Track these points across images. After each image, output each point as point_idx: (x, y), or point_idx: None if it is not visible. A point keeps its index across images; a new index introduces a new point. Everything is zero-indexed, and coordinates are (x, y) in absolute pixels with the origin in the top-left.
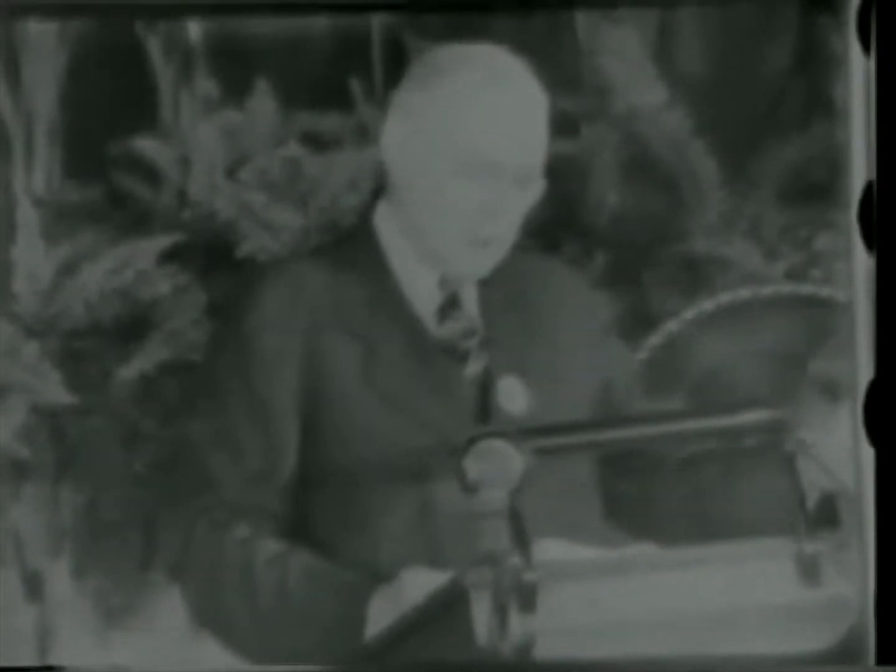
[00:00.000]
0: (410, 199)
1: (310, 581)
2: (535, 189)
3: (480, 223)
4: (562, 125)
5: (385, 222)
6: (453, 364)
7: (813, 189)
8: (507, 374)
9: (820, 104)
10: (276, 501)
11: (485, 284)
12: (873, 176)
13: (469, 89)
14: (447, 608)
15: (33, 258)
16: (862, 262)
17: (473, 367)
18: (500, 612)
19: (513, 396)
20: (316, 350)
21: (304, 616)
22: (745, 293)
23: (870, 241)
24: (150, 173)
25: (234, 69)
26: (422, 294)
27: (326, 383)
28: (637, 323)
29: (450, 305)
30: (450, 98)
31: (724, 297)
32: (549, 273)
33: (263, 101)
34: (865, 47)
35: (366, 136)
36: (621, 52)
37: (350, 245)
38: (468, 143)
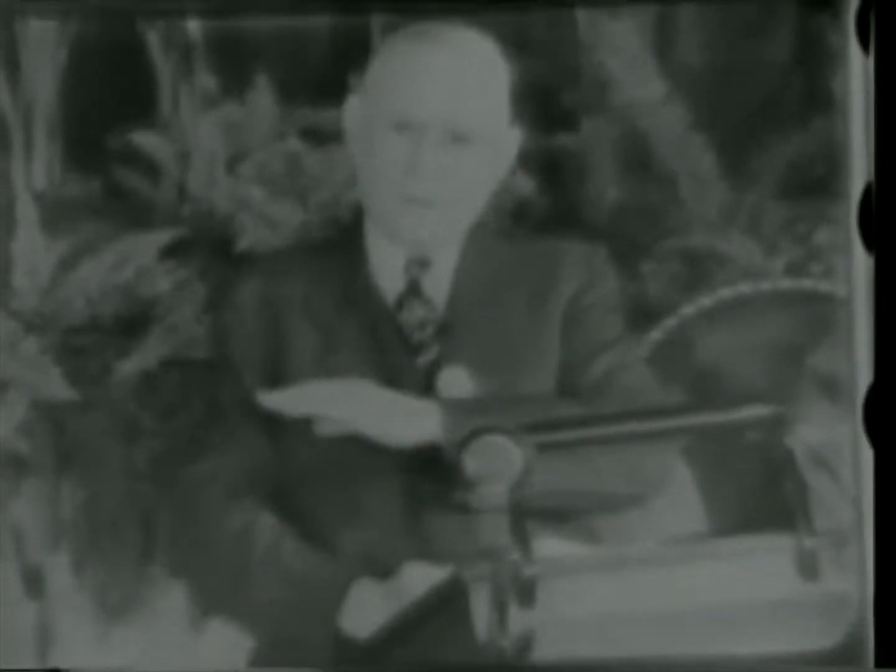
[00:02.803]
0: (359, 167)
1: (300, 552)
2: (488, 153)
3: (405, 179)
4: (561, 119)
5: (368, 204)
6: (408, 353)
7: (812, 184)
8: (454, 364)
9: (819, 100)
10: (265, 493)
11: (461, 271)
12: (872, 171)
13: (411, 52)
14: (447, 603)
15: (33, 253)
16: (861, 257)
17: (426, 357)
18: (500, 607)
19: (455, 386)
20: (282, 341)
21: (292, 584)
22: (744, 288)
23: (869, 241)
24: (150, 168)
25: (234, 64)
26: (389, 280)
27: (289, 374)
28: (636, 318)
29: (410, 293)
30: (392, 60)
31: (724, 293)
32: (544, 255)
33: (263, 96)
34: (864, 44)
35: None
36: (621, 47)
37: (342, 234)
38: (394, 98)
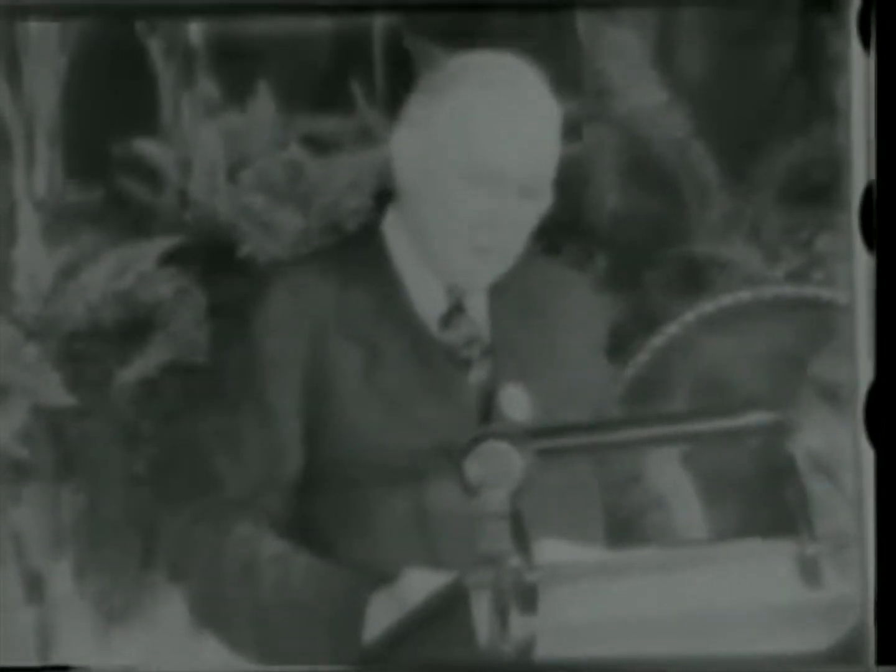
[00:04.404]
0: (417, 207)
1: (311, 579)
2: (543, 201)
3: (480, 232)
4: (563, 127)
5: (393, 228)
6: (456, 371)
7: (814, 190)
8: (511, 382)
9: (820, 105)
10: (280, 502)
11: (495, 291)
12: (873, 177)
13: (479, 99)
14: (448, 609)
15: (34, 260)
16: (862, 264)
17: (477, 375)
18: (501, 612)
19: (516, 404)
20: (320, 354)
21: (304, 614)
22: (745, 295)
23: (870, 241)
24: (151, 175)
25: (235, 71)
26: (428, 300)
27: (330, 387)
28: (638, 325)
29: (454, 312)
30: (460, 107)
31: (725, 299)
32: (559, 279)
33: (264, 103)
34: (866, 48)
35: (367, 138)
36: (622, 54)
37: (358, 250)
38: (475, 153)
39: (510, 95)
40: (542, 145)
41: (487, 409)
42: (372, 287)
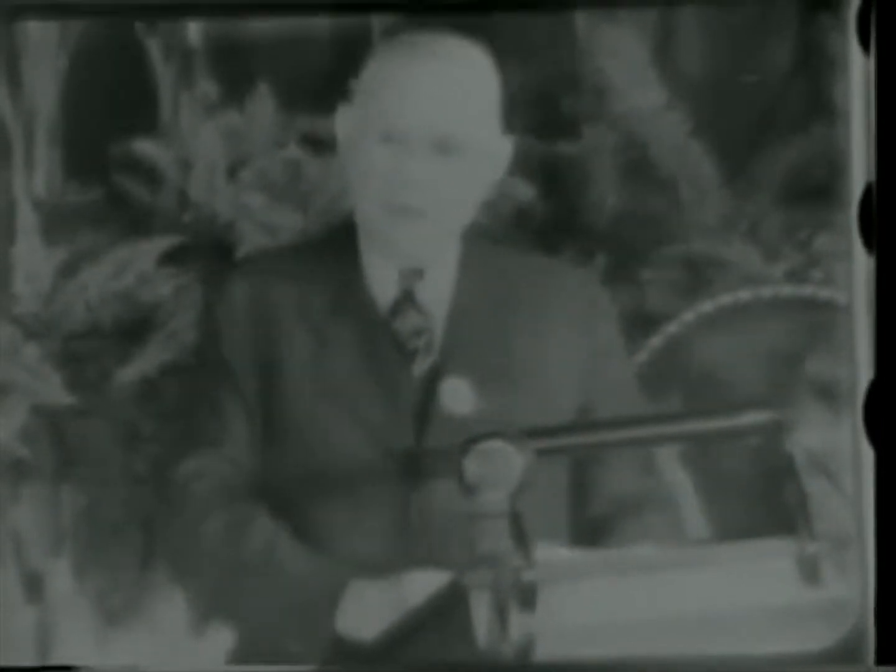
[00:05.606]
0: (349, 177)
1: (295, 559)
2: (477, 163)
3: (393, 190)
4: (562, 126)
5: (360, 216)
6: (402, 362)
7: (813, 190)
8: (455, 375)
9: (820, 105)
10: (258, 491)
11: (462, 282)
12: (873, 176)
13: (394, 63)
14: (447, 609)
15: (33, 259)
16: (862, 263)
17: (420, 366)
18: (501, 612)
19: (457, 397)
20: (275, 343)
21: (289, 603)
22: (744, 294)
23: (869, 241)
24: (151, 175)
25: (235, 70)
26: (382, 289)
27: (281, 376)
28: (636, 324)
29: (404, 301)
30: (377, 72)
31: (724, 299)
32: (543, 275)
33: (263, 103)
34: (865, 47)
35: None
36: (621, 53)
37: (333, 240)
38: (381, 110)
39: (431, 61)
40: (463, 106)
41: (426, 401)
42: (335, 275)
